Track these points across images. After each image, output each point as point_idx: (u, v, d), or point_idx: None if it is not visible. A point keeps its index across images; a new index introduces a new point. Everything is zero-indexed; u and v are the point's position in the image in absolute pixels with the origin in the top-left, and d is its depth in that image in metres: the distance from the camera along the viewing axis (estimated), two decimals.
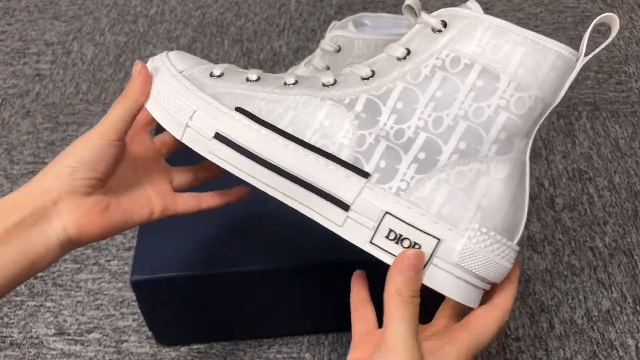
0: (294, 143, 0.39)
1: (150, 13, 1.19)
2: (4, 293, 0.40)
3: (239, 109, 0.41)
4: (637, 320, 0.70)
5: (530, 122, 0.38)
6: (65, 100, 1.00)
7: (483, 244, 0.37)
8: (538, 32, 1.13)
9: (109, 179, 0.43)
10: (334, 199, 0.38)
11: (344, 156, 0.39)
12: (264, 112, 0.40)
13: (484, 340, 0.39)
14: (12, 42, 1.13)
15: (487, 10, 1.19)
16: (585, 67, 1.05)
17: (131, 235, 0.79)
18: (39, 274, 0.75)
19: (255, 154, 0.40)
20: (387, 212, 0.37)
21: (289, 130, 0.40)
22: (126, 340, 0.69)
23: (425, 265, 0.38)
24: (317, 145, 0.39)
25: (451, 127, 0.38)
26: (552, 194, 0.83)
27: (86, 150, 0.42)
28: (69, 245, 0.42)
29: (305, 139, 0.39)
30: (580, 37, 1.11)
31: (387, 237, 0.38)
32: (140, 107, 0.44)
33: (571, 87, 1.01)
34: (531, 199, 0.83)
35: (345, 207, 0.38)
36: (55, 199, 0.41)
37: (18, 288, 0.74)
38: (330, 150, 0.39)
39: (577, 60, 0.38)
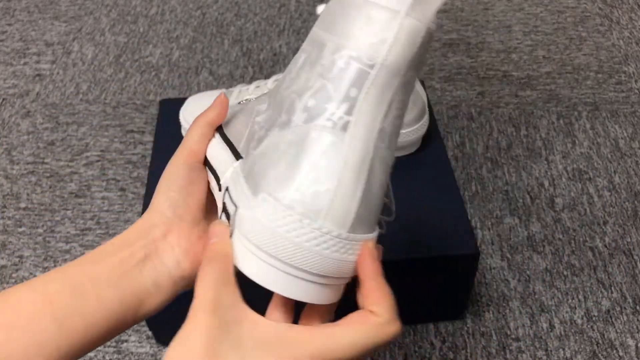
0: None
1: (150, 13, 1.19)
2: (105, 339, 0.37)
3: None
4: (637, 320, 0.70)
5: (342, 86, 0.33)
6: (65, 100, 1.00)
7: (264, 212, 0.33)
8: (538, 32, 1.13)
9: (208, 204, 0.41)
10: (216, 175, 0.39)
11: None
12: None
13: (336, 354, 0.32)
14: (12, 42, 1.13)
15: (487, 10, 1.19)
16: (585, 67, 1.05)
17: None
18: (39, 274, 0.75)
19: None
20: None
21: None
22: (126, 340, 0.69)
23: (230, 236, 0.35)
24: None
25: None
26: (552, 194, 0.83)
27: (178, 177, 0.41)
28: (182, 282, 0.39)
29: None
30: (581, 38, 1.11)
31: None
32: (213, 131, 0.43)
33: (571, 87, 1.01)
34: (531, 198, 0.83)
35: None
36: (164, 232, 0.39)
37: None
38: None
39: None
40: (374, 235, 0.35)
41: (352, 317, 0.33)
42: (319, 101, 0.33)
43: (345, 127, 0.32)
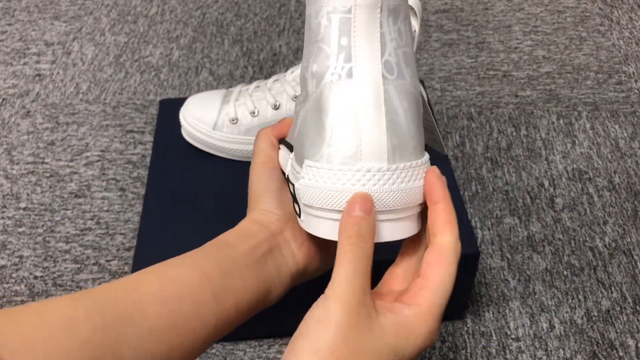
0: None
1: (150, 13, 1.19)
2: (242, 320, 0.39)
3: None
4: (637, 320, 0.70)
5: (333, 40, 0.35)
6: (65, 100, 1.00)
7: (309, 176, 0.36)
8: (538, 32, 1.13)
9: None
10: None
11: None
12: None
13: (447, 287, 0.35)
14: (12, 42, 1.13)
15: (487, 10, 1.19)
16: (585, 67, 1.05)
17: (131, 235, 0.79)
18: (39, 274, 0.75)
19: None
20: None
21: None
22: None
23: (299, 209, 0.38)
24: None
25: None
26: (552, 194, 0.83)
27: (271, 179, 0.43)
28: (298, 276, 0.41)
29: None
30: (581, 38, 1.11)
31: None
32: (277, 141, 0.45)
33: (571, 87, 1.01)
34: (531, 198, 0.83)
35: None
36: (280, 228, 0.41)
37: (18, 288, 0.74)
38: None
39: None
40: (422, 160, 0.36)
41: (431, 261, 0.35)
42: (320, 63, 0.35)
43: (349, 73, 0.34)
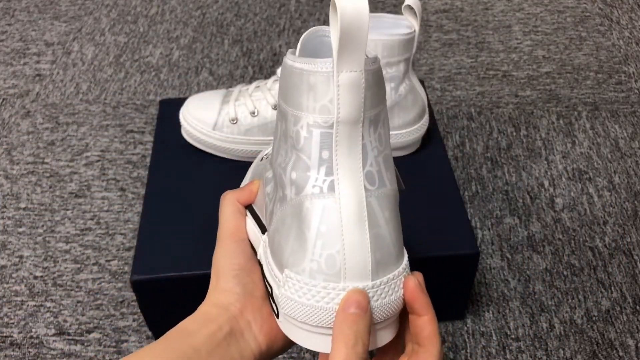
0: None
1: (150, 13, 1.19)
2: None
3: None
4: (637, 320, 0.70)
5: (314, 153, 0.35)
6: (65, 100, 1.00)
7: (291, 289, 0.35)
8: (538, 32, 1.13)
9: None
10: None
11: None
12: None
13: None
14: (12, 42, 1.13)
15: (486, 10, 1.19)
16: (585, 67, 1.05)
17: (131, 235, 0.79)
18: (39, 274, 0.75)
19: None
20: None
21: None
22: (126, 340, 0.69)
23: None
24: None
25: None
26: (552, 194, 0.84)
27: (235, 255, 0.42)
28: (260, 356, 0.40)
29: None
30: (581, 37, 1.11)
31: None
32: (243, 208, 0.44)
33: (571, 87, 1.01)
34: (531, 198, 0.83)
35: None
36: (240, 309, 0.40)
37: (18, 288, 0.74)
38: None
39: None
40: (402, 267, 0.36)
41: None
42: (299, 172, 0.35)
43: (331, 187, 0.34)
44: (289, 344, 0.42)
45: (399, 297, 0.35)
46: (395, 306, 0.35)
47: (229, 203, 0.44)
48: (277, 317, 0.38)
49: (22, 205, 0.83)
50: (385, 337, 0.36)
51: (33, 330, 0.70)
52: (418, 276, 0.37)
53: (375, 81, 0.33)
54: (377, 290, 0.34)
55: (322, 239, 0.34)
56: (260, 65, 1.06)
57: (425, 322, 0.36)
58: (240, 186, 0.47)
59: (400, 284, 0.35)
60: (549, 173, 0.86)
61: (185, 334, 0.39)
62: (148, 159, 0.89)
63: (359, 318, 0.33)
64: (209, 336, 0.38)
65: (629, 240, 0.78)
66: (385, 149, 0.35)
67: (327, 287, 0.34)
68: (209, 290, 0.42)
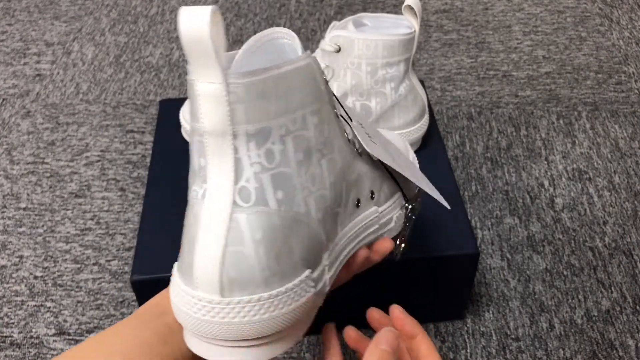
0: None
1: (150, 13, 1.19)
2: None
3: None
4: (637, 320, 0.70)
5: (195, 160, 0.34)
6: (65, 100, 1.00)
7: (174, 294, 0.35)
8: (538, 32, 1.13)
9: None
10: None
11: None
12: None
13: None
14: (12, 42, 1.13)
15: (486, 10, 1.19)
16: (585, 67, 1.05)
17: (131, 235, 0.79)
18: (39, 274, 0.75)
19: None
20: None
21: None
22: None
23: None
24: None
25: None
26: (552, 194, 0.84)
27: None
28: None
29: None
30: (581, 38, 1.11)
31: None
32: None
33: (571, 87, 1.01)
34: (531, 198, 0.83)
35: None
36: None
37: (18, 288, 0.74)
38: None
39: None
40: (278, 291, 0.33)
41: None
42: (190, 175, 0.34)
43: (204, 195, 0.32)
44: None
45: (261, 320, 0.33)
46: (253, 328, 0.33)
47: None
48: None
49: (22, 205, 0.83)
50: (259, 355, 0.35)
51: (33, 330, 0.70)
52: (396, 307, 0.40)
53: (256, 96, 0.31)
54: (225, 308, 0.32)
55: (186, 244, 0.33)
56: None
57: (419, 342, 0.38)
58: None
59: (266, 309, 0.33)
60: (549, 173, 0.86)
61: (158, 311, 0.39)
62: (148, 159, 0.89)
63: (387, 355, 0.36)
64: (150, 335, 0.38)
65: (629, 240, 0.78)
66: (282, 167, 0.33)
67: (186, 291, 0.33)
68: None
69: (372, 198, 0.41)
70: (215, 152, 0.32)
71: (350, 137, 0.39)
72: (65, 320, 0.71)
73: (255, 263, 0.32)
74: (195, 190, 0.33)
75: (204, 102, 0.31)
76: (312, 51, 1.07)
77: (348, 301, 0.59)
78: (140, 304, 0.63)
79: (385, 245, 0.44)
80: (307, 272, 0.35)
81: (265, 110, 0.32)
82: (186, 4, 1.21)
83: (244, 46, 0.36)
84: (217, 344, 0.34)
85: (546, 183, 0.85)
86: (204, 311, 0.33)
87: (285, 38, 0.37)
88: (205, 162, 0.32)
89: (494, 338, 0.68)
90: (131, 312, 0.71)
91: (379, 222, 0.43)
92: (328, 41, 0.64)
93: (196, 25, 0.28)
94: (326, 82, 0.36)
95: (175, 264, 0.36)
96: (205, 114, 0.31)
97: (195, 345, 0.35)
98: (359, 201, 0.40)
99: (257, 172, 0.32)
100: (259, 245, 0.32)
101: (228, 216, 0.32)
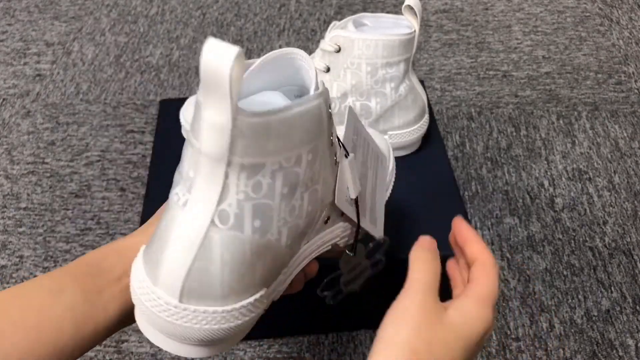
0: None
1: (150, 13, 1.19)
2: (98, 343, 0.40)
3: None
4: (637, 320, 0.70)
5: (185, 167, 0.36)
6: (65, 100, 1.00)
7: (134, 279, 0.37)
8: (538, 32, 1.13)
9: None
10: None
11: None
12: None
13: (495, 282, 0.39)
14: (12, 42, 1.13)
15: (486, 10, 1.19)
16: (585, 67, 1.05)
17: None
18: (39, 274, 0.75)
19: None
20: None
21: None
22: (126, 340, 0.69)
23: None
24: None
25: None
26: (551, 194, 0.84)
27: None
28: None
29: None
30: (581, 38, 1.11)
31: None
32: None
33: (571, 87, 1.01)
34: (531, 198, 0.83)
35: None
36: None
37: None
38: None
39: None
40: (225, 308, 0.35)
41: (477, 271, 0.40)
42: (177, 174, 0.35)
43: (185, 203, 0.34)
44: None
45: (212, 329, 0.35)
46: (203, 335, 0.35)
47: None
48: None
49: (23, 205, 0.83)
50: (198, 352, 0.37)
51: None
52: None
53: (258, 134, 0.32)
54: (180, 313, 0.34)
55: (159, 243, 0.34)
56: None
57: (476, 265, 0.40)
58: None
59: (218, 321, 0.35)
60: (548, 173, 0.86)
61: (94, 270, 0.40)
62: (148, 159, 0.89)
63: (432, 243, 0.40)
64: (116, 279, 0.40)
65: (628, 240, 0.78)
66: (265, 199, 0.34)
67: (146, 281, 0.35)
68: (137, 230, 0.43)
69: (342, 215, 0.42)
70: (206, 172, 0.33)
71: (337, 159, 0.40)
72: None
73: (218, 281, 0.34)
74: (177, 194, 0.34)
75: (208, 128, 0.31)
76: (312, 51, 1.07)
77: (347, 301, 0.59)
78: None
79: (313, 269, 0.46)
80: (263, 291, 0.36)
81: (264, 148, 0.33)
82: (186, 4, 1.21)
83: (261, 59, 0.36)
84: (166, 336, 0.36)
85: (546, 183, 0.85)
86: (159, 309, 0.34)
87: (303, 61, 0.37)
88: (194, 175, 0.33)
89: (494, 338, 0.68)
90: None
91: (342, 235, 0.44)
92: (328, 41, 0.64)
93: (219, 62, 0.29)
94: (330, 115, 0.37)
95: (143, 248, 0.37)
96: (206, 139, 0.32)
97: (143, 327, 0.37)
98: (328, 218, 0.41)
99: (241, 200, 0.33)
100: (225, 266, 0.34)
101: (203, 233, 0.33)
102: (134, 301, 0.36)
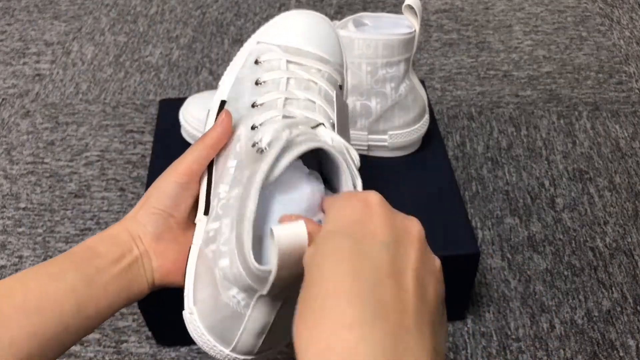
0: None
1: (150, 13, 1.19)
2: (99, 324, 0.42)
3: None
4: (638, 320, 0.69)
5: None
6: (65, 100, 1.00)
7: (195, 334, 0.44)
8: (538, 31, 1.13)
9: (190, 224, 0.45)
10: None
11: None
12: None
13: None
14: (12, 42, 1.13)
15: (487, 9, 1.19)
16: (586, 67, 1.05)
17: None
18: None
19: None
20: None
21: None
22: (126, 341, 0.69)
23: None
24: None
25: None
26: (552, 194, 0.83)
27: (165, 196, 0.44)
28: (154, 288, 0.45)
29: None
30: (581, 37, 1.11)
31: None
32: (214, 154, 0.45)
33: (571, 87, 1.01)
34: (532, 198, 0.83)
35: None
36: (147, 245, 0.43)
37: None
38: None
39: None
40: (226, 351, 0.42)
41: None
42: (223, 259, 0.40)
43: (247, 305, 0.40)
44: (180, 283, 0.45)
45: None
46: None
47: (196, 149, 0.44)
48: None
49: (22, 205, 0.83)
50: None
51: None
52: None
53: (297, 274, 0.36)
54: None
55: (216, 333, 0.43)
56: None
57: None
58: (206, 125, 0.47)
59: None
60: (549, 173, 0.86)
61: (92, 254, 0.42)
62: (148, 159, 0.89)
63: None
64: (114, 261, 0.42)
65: (629, 240, 0.78)
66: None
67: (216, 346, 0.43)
68: (130, 213, 0.45)
69: None
70: (267, 306, 0.40)
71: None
72: None
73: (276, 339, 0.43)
74: (234, 296, 0.40)
75: (260, 283, 0.37)
76: None
77: None
78: (140, 304, 0.62)
79: None
80: None
81: (292, 284, 0.37)
82: (186, 4, 1.21)
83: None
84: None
85: (547, 183, 0.85)
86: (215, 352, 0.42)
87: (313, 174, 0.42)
88: (256, 293, 0.39)
89: (495, 338, 0.68)
90: (131, 312, 0.71)
91: None
92: None
93: (293, 248, 0.35)
94: None
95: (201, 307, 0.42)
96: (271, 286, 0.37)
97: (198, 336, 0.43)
98: None
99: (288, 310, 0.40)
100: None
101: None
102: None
